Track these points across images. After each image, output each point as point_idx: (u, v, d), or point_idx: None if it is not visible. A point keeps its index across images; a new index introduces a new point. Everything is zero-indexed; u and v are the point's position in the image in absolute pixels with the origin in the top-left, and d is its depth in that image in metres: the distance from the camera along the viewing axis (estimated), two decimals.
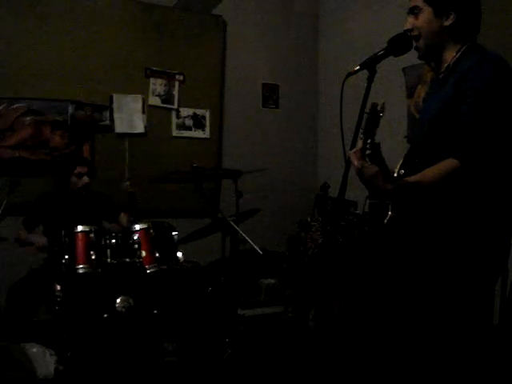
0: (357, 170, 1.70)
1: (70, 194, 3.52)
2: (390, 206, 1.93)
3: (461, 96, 1.75)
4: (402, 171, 1.87)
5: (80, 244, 2.89)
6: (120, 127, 4.32)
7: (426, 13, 1.84)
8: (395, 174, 1.87)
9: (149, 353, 2.86)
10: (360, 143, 1.69)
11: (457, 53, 1.85)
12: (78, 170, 3.47)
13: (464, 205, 1.76)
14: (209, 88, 4.69)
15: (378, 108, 1.66)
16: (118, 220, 3.66)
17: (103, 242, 2.94)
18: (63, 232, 2.92)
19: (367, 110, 1.69)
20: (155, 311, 2.95)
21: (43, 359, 2.74)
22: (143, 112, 4.41)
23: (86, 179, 3.47)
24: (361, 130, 1.68)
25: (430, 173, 1.75)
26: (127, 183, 3.84)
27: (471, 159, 1.71)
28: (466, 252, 1.75)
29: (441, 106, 1.82)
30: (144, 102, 4.42)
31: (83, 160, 3.76)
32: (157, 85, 4.47)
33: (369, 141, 1.66)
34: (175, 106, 4.56)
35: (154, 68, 4.46)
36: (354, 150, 1.71)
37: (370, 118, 1.66)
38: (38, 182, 3.89)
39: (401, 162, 1.96)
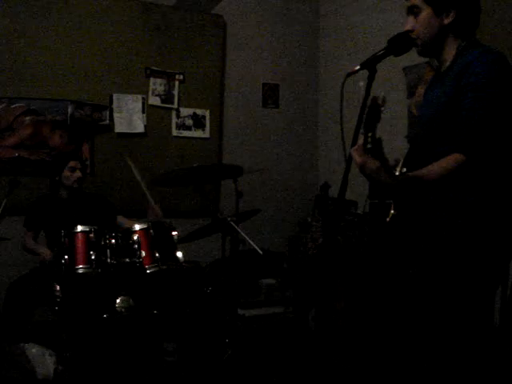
0: (359, 165, 1.68)
1: (68, 194, 3.52)
2: (392, 205, 1.92)
3: (461, 91, 1.74)
4: (404, 169, 1.86)
5: (80, 244, 2.89)
6: (120, 127, 4.32)
7: (426, 12, 1.84)
8: (397, 173, 1.86)
9: (149, 353, 2.86)
10: (361, 139, 1.67)
11: (456, 50, 1.84)
12: (71, 164, 3.48)
13: (467, 203, 1.75)
14: (209, 88, 4.68)
15: (379, 101, 1.64)
16: (117, 223, 3.64)
17: (103, 242, 2.93)
18: (63, 232, 2.92)
19: (368, 103, 1.67)
20: (155, 311, 2.95)
21: (43, 359, 2.73)
22: (143, 112, 4.41)
23: (78, 173, 3.47)
24: (362, 125, 1.66)
25: (435, 167, 1.74)
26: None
27: (476, 152, 1.70)
28: (469, 251, 1.75)
29: (441, 103, 1.82)
30: (144, 101, 4.42)
31: (76, 156, 3.76)
32: (157, 85, 4.47)
33: (369, 134, 1.63)
34: (175, 106, 4.55)
35: (154, 68, 4.46)
36: (356, 146, 1.70)
37: (371, 112, 1.64)
38: (37, 181, 3.89)
39: (402, 160, 1.95)
